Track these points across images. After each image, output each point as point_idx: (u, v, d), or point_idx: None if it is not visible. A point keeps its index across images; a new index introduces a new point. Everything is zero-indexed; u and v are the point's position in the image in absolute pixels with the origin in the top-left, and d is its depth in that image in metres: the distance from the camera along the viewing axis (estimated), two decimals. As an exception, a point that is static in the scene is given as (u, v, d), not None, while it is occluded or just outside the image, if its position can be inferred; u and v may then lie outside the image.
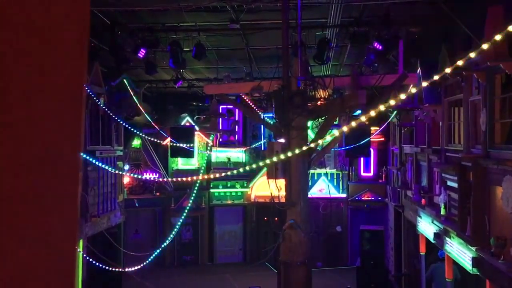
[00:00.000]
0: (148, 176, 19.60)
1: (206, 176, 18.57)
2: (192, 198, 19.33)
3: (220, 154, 21.15)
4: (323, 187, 20.06)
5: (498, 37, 5.08)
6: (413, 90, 7.58)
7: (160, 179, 19.35)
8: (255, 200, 20.78)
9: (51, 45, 1.01)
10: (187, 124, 20.63)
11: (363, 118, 7.31)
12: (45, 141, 1.02)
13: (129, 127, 15.69)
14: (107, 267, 13.82)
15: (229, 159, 21.10)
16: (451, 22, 9.83)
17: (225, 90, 12.33)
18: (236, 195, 21.09)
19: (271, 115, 10.53)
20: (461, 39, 9.84)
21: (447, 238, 10.84)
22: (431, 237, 12.07)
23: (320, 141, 9.48)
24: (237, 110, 20.44)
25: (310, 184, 15.14)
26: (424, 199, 12.78)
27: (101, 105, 13.90)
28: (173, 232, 16.90)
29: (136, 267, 14.91)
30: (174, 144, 17.01)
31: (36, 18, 0.99)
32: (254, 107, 17.13)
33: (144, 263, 15.44)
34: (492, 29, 7.45)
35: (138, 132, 16.85)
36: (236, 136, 21.35)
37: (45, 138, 1.02)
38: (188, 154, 18.10)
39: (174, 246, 20.08)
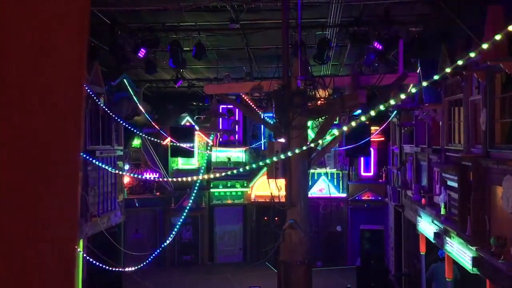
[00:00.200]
0: (148, 176, 19.60)
1: (206, 176, 18.56)
2: (192, 198, 19.33)
3: (220, 154, 21.14)
4: (323, 186, 20.06)
5: (498, 37, 5.08)
6: (413, 89, 7.60)
7: (160, 179, 19.35)
8: (255, 200, 20.77)
9: (50, 44, 1.01)
10: (187, 124, 20.61)
11: (363, 118, 7.32)
12: (45, 141, 1.02)
13: (129, 127, 15.68)
14: (107, 267, 13.81)
15: (229, 159, 21.09)
16: (451, 22, 9.84)
17: (225, 90, 12.31)
18: (236, 195, 21.08)
19: (271, 115, 10.53)
20: (461, 39, 9.84)
21: (447, 238, 10.84)
22: (431, 236, 12.07)
23: (320, 141, 9.49)
24: (237, 110, 20.43)
25: (310, 183, 15.16)
26: (424, 199, 12.77)
27: (101, 105, 13.90)
28: (173, 232, 16.89)
29: (136, 267, 14.89)
30: (174, 144, 17.02)
31: (35, 18, 0.99)
32: (254, 107, 17.11)
33: (144, 263, 15.42)
34: (492, 29, 7.46)
35: (138, 132, 16.85)
36: (236, 136, 21.33)
37: (45, 138, 1.02)
38: (188, 154, 18.13)
39: (174, 246, 20.08)
